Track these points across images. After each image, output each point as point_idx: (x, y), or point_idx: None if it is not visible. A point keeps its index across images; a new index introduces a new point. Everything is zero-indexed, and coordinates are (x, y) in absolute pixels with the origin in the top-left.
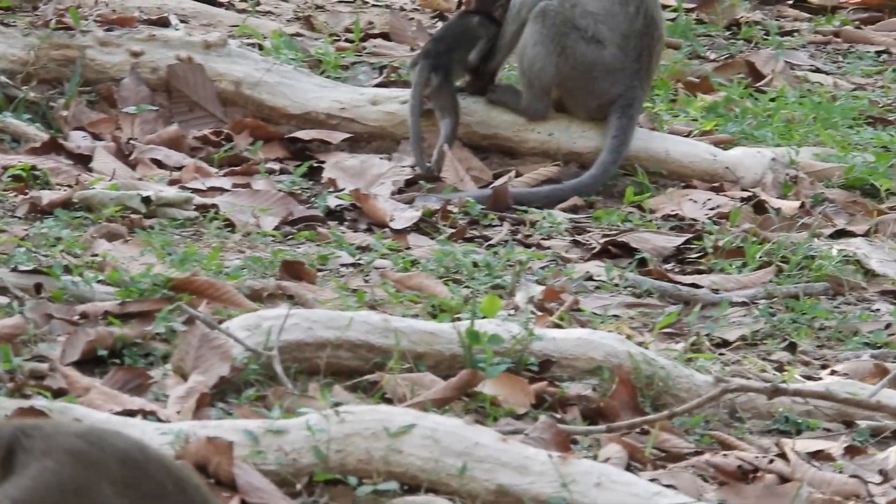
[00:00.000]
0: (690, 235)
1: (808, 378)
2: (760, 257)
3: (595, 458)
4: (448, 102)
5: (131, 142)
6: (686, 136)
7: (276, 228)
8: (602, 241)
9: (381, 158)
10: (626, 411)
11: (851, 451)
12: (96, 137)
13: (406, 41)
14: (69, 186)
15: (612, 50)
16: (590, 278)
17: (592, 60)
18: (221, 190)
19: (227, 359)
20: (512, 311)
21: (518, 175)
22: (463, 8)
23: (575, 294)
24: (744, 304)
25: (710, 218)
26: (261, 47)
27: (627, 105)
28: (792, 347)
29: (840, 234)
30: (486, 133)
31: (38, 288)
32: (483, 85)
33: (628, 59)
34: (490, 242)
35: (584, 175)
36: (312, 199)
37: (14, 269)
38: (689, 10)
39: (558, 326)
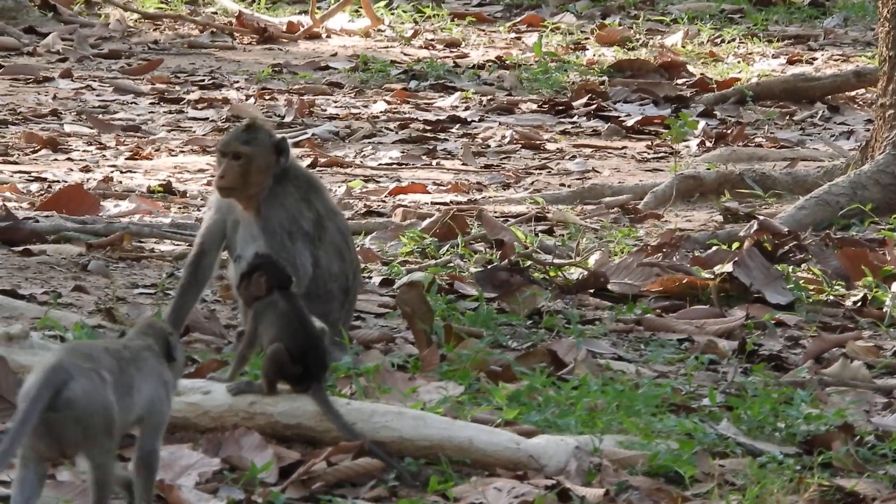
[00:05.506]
0: None
1: None
2: None
3: None
4: None
5: None
6: (489, 425)
7: None
8: None
9: (188, 449)
10: None
11: None
12: None
13: (208, 333)
14: None
15: None
16: None
17: None
18: None
19: None
20: None
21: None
22: None
23: None
24: None
25: None
26: (63, 339)
27: None
28: None
29: None
30: (289, 423)
31: None
32: None
33: None
34: None
35: None
36: (118, 491)
37: None
38: (490, 300)
39: None
